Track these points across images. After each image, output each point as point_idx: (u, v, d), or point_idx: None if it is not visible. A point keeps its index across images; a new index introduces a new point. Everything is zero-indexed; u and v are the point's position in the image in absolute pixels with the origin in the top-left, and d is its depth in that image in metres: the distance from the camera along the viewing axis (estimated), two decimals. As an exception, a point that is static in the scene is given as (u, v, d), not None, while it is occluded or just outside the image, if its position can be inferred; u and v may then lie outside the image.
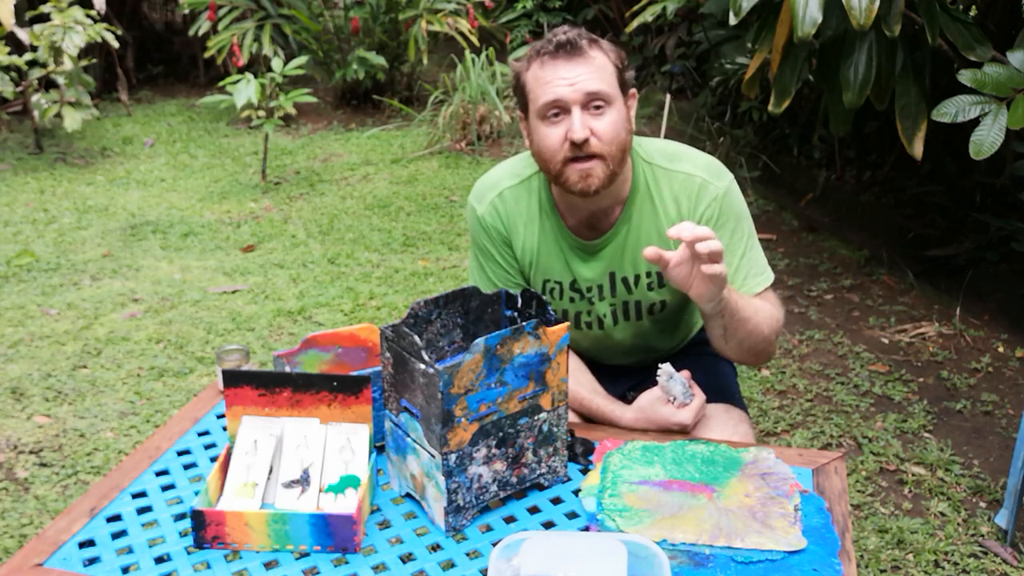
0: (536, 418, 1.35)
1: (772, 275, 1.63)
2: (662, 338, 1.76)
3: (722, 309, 1.44)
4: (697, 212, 1.58)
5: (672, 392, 1.54)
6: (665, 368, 1.54)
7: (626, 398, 1.71)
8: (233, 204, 4.85)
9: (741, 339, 1.51)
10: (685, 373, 1.57)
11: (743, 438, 1.64)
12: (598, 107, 1.48)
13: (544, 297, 1.42)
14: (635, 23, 4.08)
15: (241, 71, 5.61)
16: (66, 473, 2.53)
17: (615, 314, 1.69)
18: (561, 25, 1.56)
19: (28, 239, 4.31)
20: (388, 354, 1.33)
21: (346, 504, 1.31)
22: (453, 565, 1.24)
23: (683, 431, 1.55)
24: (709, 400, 1.64)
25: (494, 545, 1.23)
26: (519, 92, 1.56)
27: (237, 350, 1.66)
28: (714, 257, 1.33)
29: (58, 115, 5.36)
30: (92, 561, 1.25)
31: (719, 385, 1.72)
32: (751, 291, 1.58)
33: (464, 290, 1.47)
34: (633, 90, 1.57)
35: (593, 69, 1.48)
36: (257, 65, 6.41)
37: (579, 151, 1.48)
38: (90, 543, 1.29)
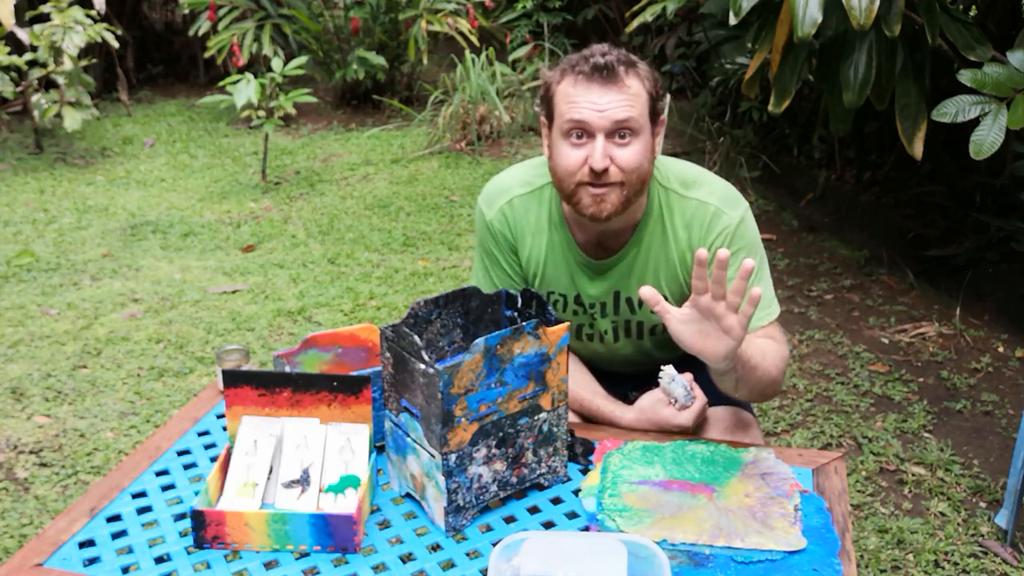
0: (536, 418, 1.35)
1: (779, 309, 1.59)
2: (662, 354, 1.75)
3: (735, 365, 1.38)
4: (708, 240, 1.56)
5: (674, 394, 1.54)
6: (667, 370, 1.54)
7: (627, 399, 1.71)
8: (233, 204, 4.85)
9: (752, 386, 1.46)
10: (687, 376, 1.57)
11: (752, 441, 1.64)
12: (623, 136, 1.45)
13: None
14: (635, 23, 4.08)
15: (241, 71, 5.61)
16: (66, 473, 2.53)
17: (616, 331, 1.68)
18: (601, 44, 1.52)
19: (28, 239, 4.31)
20: (388, 354, 1.33)
21: (346, 504, 1.31)
22: (453, 565, 1.24)
23: (683, 433, 1.55)
24: (716, 402, 1.63)
25: (494, 545, 1.23)
26: (546, 102, 1.53)
27: (237, 350, 1.66)
28: (752, 301, 1.25)
29: (58, 115, 5.36)
30: (92, 561, 1.25)
31: None
32: (758, 324, 1.54)
33: (464, 290, 1.47)
34: (663, 116, 1.54)
35: (625, 97, 1.44)
36: (257, 65, 6.41)
37: (596, 178, 1.46)
38: (90, 543, 1.29)
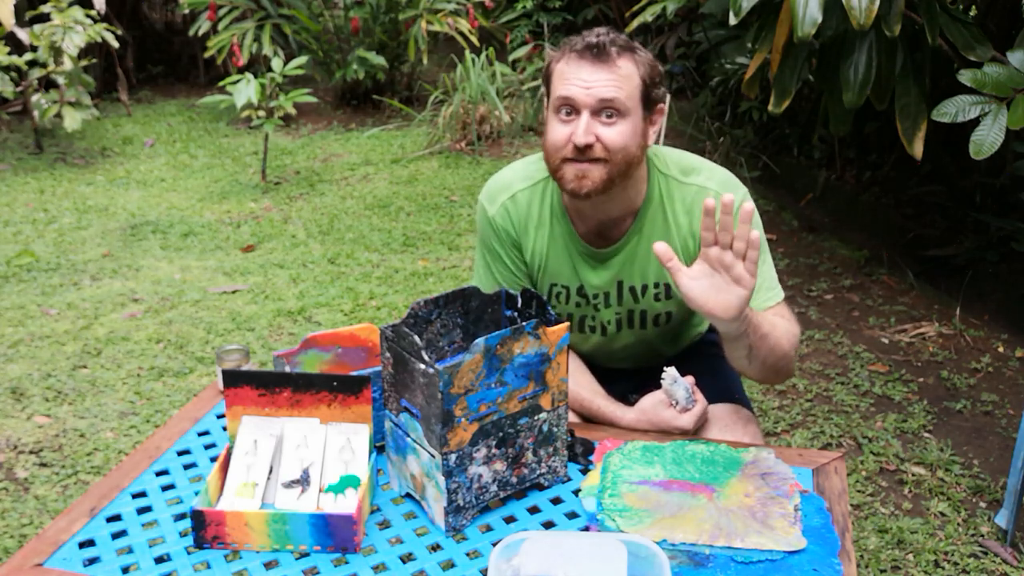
0: (536, 418, 1.35)
1: (783, 293, 1.60)
2: (664, 346, 1.76)
3: (746, 328, 1.38)
4: None
5: (675, 396, 1.54)
6: (670, 372, 1.54)
7: (627, 399, 1.71)
8: (233, 204, 4.85)
9: (764, 357, 1.45)
10: (689, 379, 1.57)
11: (752, 439, 1.64)
12: (610, 116, 1.47)
13: (549, 301, 1.42)
14: (635, 23, 4.08)
15: (241, 71, 5.61)
16: (66, 473, 2.53)
17: (619, 322, 1.68)
18: (600, 27, 1.55)
19: (28, 239, 4.31)
20: (388, 354, 1.33)
21: (346, 504, 1.31)
22: (453, 565, 1.24)
23: (683, 434, 1.55)
24: (715, 400, 1.63)
25: (494, 545, 1.23)
26: (545, 81, 1.56)
27: (237, 350, 1.66)
28: (753, 244, 1.28)
29: (58, 115, 5.36)
30: (92, 561, 1.25)
31: (724, 386, 1.72)
32: (765, 304, 1.55)
33: (464, 290, 1.47)
34: (661, 105, 1.54)
35: (614, 77, 1.46)
36: (257, 65, 6.41)
37: (580, 154, 1.47)
38: (90, 543, 1.29)
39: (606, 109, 1.46)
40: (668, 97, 4.88)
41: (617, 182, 1.51)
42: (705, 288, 1.32)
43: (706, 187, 1.58)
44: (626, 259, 1.62)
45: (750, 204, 1.28)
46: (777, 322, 1.50)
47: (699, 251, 1.57)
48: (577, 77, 1.46)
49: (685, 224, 1.59)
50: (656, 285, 1.63)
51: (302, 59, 5.25)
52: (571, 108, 1.48)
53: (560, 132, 1.49)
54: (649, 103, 1.52)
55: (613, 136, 1.47)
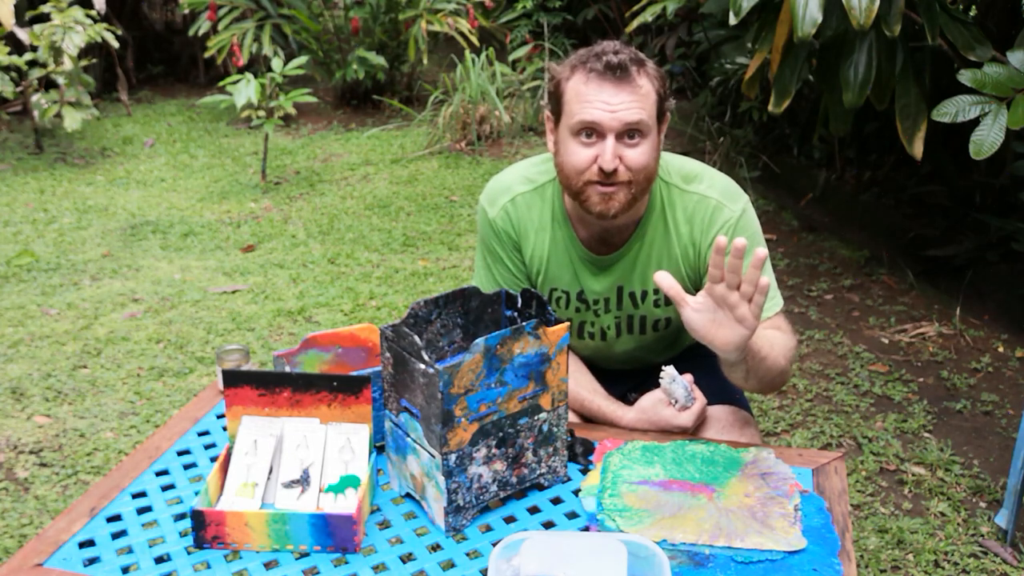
0: (536, 418, 1.35)
1: (782, 301, 1.60)
2: (662, 350, 1.76)
3: (746, 355, 1.36)
4: (710, 234, 1.56)
5: (674, 395, 1.54)
6: (668, 370, 1.54)
7: (627, 399, 1.71)
8: (233, 204, 4.85)
9: (762, 376, 1.44)
10: (688, 376, 1.57)
11: (750, 439, 1.64)
12: (632, 137, 1.45)
13: (549, 305, 1.42)
14: (635, 23, 4.08)
15: (241, 71, 5.61)
16: (66, 473, 2.53)
17: (619, 326, 1.68)
18: (611, 41, 1.51)
19: (28, 239, 4.31)
20: (388, 354, 1.33)
21: (346, 504, 1.31)
22: (453, 565, 1.24)
23: (683, 433, 1.55)
24: (714, 401, 1.63)
25: (494, 545, 1.23)
26: (554, 98, 1.52)
27: (237, 350, 1.66)
28: (762, 290, 1.24)
29: (58, 115, 5.36)
30: (92, 561, 1.25)
31: (723, 386, 1.71)
32: (764, 315, 1.53)
33: (464, 290, 1.47)
34: (667, 114, 1.53)
35: (637, 98, 1.44)
36: (257, 65, 6.41)
37: (606, 178, 1.46)
38: (90, 543, 1.29)
39: (631, 131, 1.45)
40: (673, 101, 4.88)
41: (639, 198, 1.51)
42: (707, 321, 1.29)
43: (708, 196, 1.57)
44: (627, 266, 1.62)
45: (763, 251, 1.21)
46: (776, 340, 1.48)
47: (698, 259, 1.58)
48: (599, 99, 1.44)
49: (686, 233, 1.58)
50: (656, 292, 1.63)
51: (302, 59, 5.25)
52: (593, 131, 1.45)
53: (583, 156, 1.47)
54: (662, 115, 1.51)
55: (637, 157, 1.46)
